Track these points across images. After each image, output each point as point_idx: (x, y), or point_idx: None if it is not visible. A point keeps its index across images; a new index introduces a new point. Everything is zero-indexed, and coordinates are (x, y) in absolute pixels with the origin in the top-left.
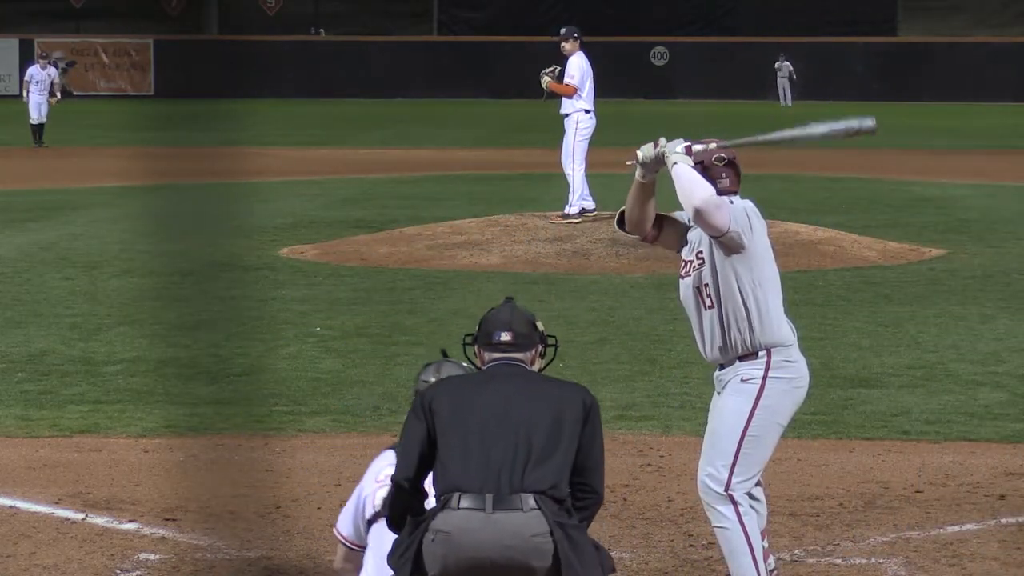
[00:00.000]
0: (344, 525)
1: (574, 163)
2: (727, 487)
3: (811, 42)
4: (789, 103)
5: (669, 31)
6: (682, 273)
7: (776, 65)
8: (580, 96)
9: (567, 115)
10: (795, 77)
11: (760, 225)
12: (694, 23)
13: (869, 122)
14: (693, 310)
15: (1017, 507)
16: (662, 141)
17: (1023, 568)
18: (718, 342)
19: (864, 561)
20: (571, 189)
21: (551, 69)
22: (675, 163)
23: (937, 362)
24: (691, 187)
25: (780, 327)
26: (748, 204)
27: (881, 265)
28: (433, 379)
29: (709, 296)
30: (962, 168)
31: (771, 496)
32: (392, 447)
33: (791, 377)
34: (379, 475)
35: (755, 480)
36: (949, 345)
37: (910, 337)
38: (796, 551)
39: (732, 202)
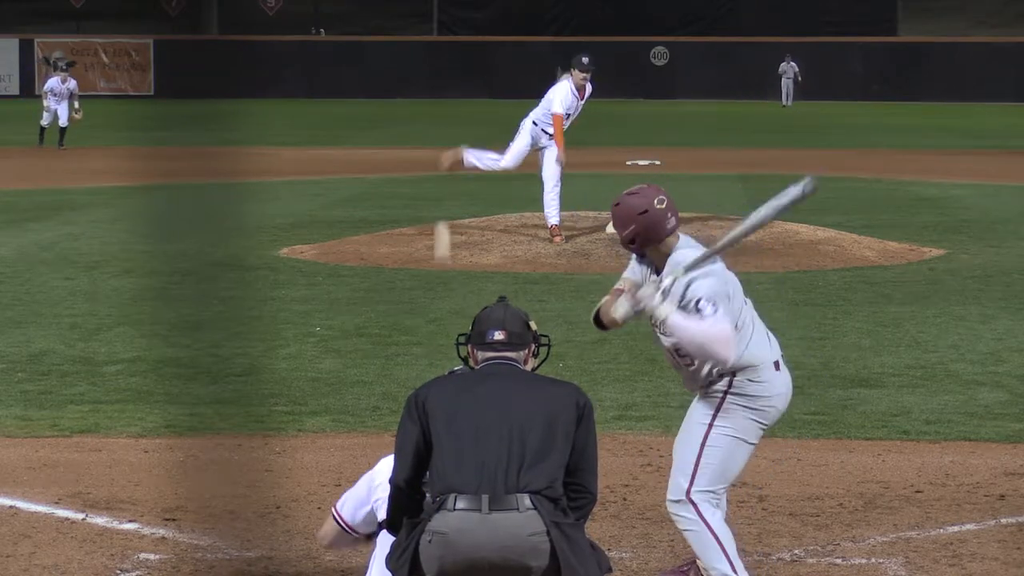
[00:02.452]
0: (348, 511)
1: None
2: (687, 493)
3: (811, 42)
4: (789, 103)
5: (669, 31)
6: (653, 324)
7: (781, 66)
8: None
9: (546, 147)
10: (800, 79)
11: (734, 282)
12: (694, 23)
13: (809, 184)
14: (670, 361)
15: (1017, 507)
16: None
17: (1023, 568)
18: (702, 383)
19: (864, 561)
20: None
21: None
22: (665, 317)
23: (937, 362)
24: (707, 347)
25: (753, 353)
26: (716, 269)
27: (881, 265)
28: None
29: (687, 356)
30: (962, 168)
31: (771, 496)
32: None
33: (753, 395)
34: None
35: (718, 493)
36: (949, 345)
37: (910, 337)
38: (796, 551)
39: (712, 263)
